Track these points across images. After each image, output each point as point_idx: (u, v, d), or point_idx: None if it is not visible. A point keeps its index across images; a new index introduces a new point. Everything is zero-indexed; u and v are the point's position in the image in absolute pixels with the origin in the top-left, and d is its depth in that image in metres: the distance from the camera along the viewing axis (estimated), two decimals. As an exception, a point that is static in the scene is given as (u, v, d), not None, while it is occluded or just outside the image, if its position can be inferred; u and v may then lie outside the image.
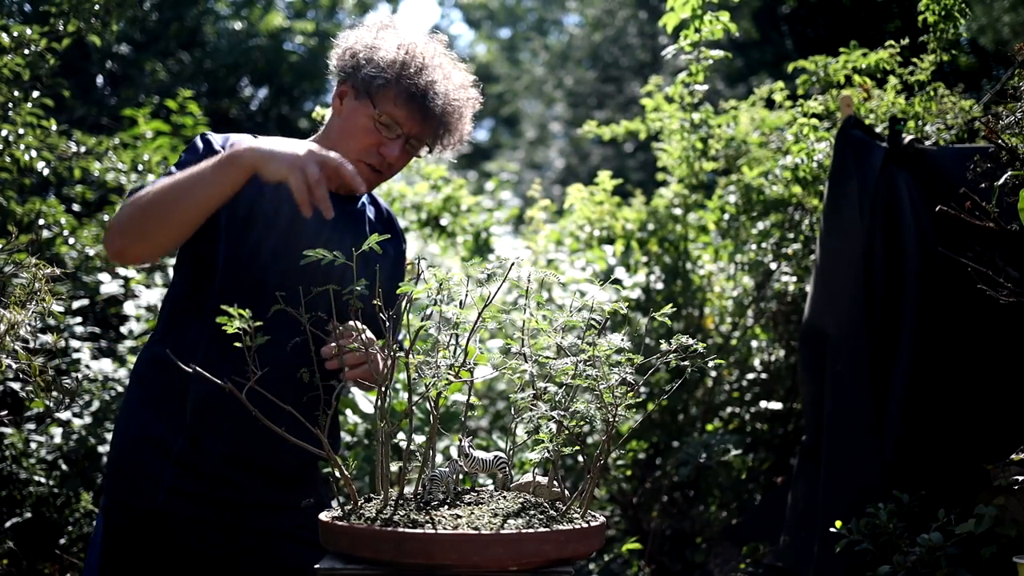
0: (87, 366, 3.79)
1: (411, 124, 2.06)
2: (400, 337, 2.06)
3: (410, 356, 1.56)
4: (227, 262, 2.01)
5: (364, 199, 2.25)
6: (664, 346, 1.62)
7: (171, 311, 2.08)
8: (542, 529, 1.44)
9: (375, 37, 2.09)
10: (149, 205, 1.90)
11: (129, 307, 4.14)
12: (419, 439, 2.89)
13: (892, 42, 3.32)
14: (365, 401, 3.46)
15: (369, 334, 1.82)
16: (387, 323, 1.58)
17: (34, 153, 3.71)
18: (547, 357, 1.63)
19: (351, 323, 1.85)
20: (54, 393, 1.68)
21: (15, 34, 3.47)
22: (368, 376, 1.86)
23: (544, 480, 1.66)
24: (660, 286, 3.95)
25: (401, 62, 2.04)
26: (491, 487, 1.75)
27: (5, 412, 1.80)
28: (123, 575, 2.00)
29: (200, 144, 2.05)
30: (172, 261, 4.44)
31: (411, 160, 2.18)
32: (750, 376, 3.85)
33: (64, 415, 3.64)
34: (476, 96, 2.17)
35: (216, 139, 2.06)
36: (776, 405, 3.69)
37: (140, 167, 4.82)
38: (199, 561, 2.00)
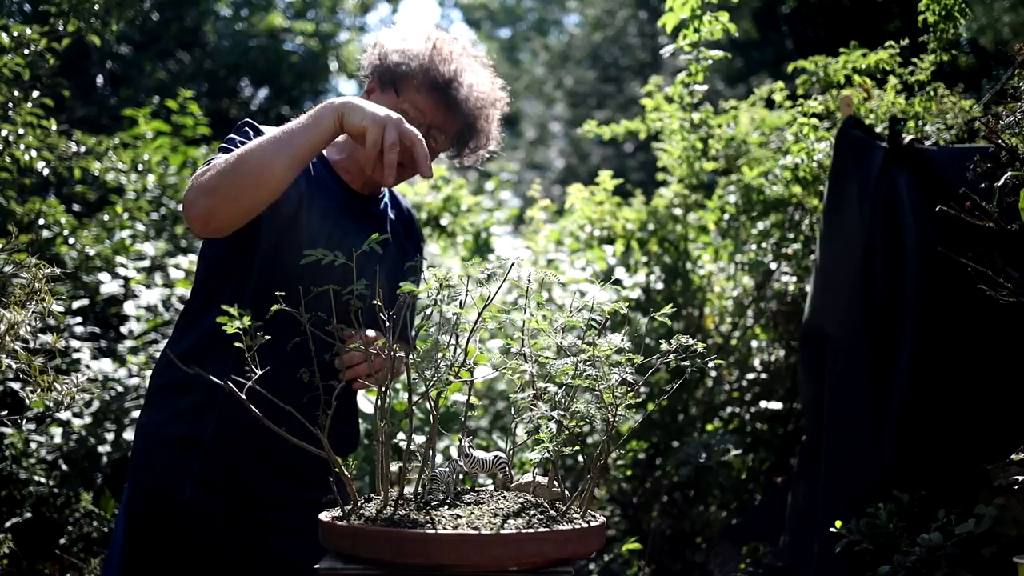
0: (87, 366, 3.80)
1: (434, 114, 2.06)
2: (412, 335, 2.06)
3: (410, 356, 1.56)
4: (260, 260, 2.01)
5: (386, 199, 2.25)
6: (664, 346, 1.62)
7: (199, 305, 2.08)
8: (542, 529, 1.44)
9: (404, 33, 2.12)
10: (240, 165, 1.83)
11: (129, 307, 4.15)
12: (419, 439, 2.89)
13: (892, 42, 3.31)
14: (365, 401, 3.46)
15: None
16: (388, 323, 1.58)
17: (34, 153, 3.71)
18: (547, 357, 1.62)
19: (367, 332, 1.85)
20: (53, 393, 1.68)
21: (15, 34, 3.47)
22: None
23: (544, 480, 1.66)
24: (660, 286, 3.95)
25: (428, 52, 2.05)
26: (491, 487, 1.75)
27: (5, 412, 1.80)
28: (145, 566, 2.01)
29: (250, 130, 2.03)
30: (174, 261, 4.44)
31: (436, 157, 2.17)
32: (750, 376, 3.85)
33: (64, 415, 3.64)
34: (503, 97, 2.16)
35: (253, 127, 2.05)
36: (776, 405, 3.69)
37: (140, 167, 4.83)
38: (216, 557, 2.01)
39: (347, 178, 2.16)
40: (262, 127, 2.04)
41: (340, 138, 2.19)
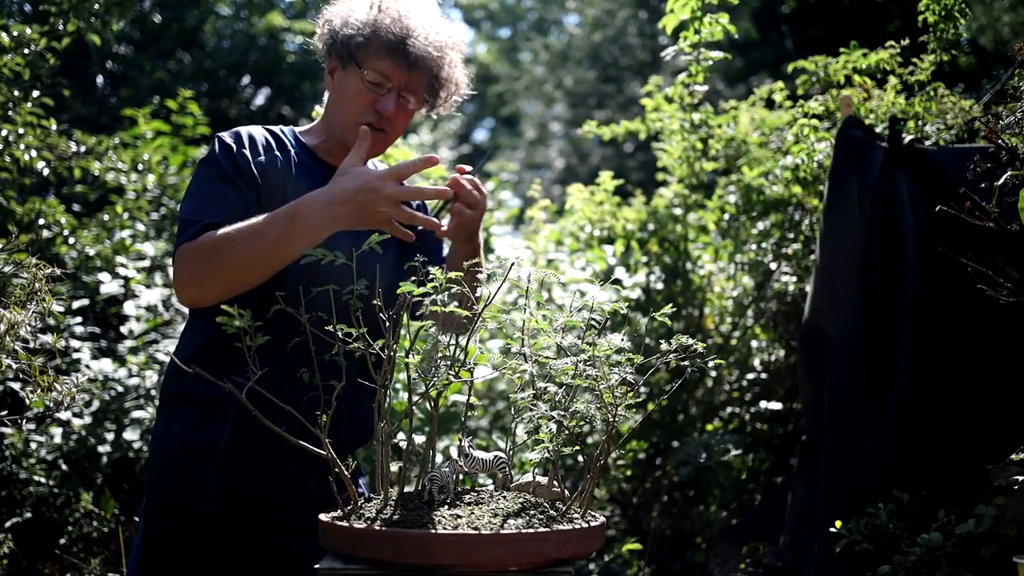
0: (87, 366, 3.79)
1: (398, 74, 2.06)
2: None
3: (410, 356, 1.56)
4: None
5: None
6: (664, 346, 1.62)
7: (202, 310, 2.05)
8: (542, 529, 1.44)
9: (348, 6, 2.10)
10: (224, 263, 1.88)
11: (129, 307, 4.15)
12: (419, 439, 2.89)
13: (892, 42, 3.31)
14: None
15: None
16: (387, 321, 1.58)
17: (34, 153, 3.71)
18: (547, 357, 1.62)
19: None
20: (53, 393, 1.68)
21: (15, 34, 3.47)
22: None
23: (544, 480, 1.66)
24: (660, 286, 3.95)
25: (375, 18, 2.05)
26: (491, 487, 1.75)
27: (5, 412, 1.80)
28: (165, 573, 2.01)
29: (219, 152, 2.03)
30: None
31: (411, 118, 2.17)
32: (750, 376, 3.85)
33: (64, 415, 3.64)
34: (460, 39, 2.15)
35: (229, 140, 2.04)
36: (776, 405, 3.69)
37: (140, 167, 4.83)
38: (239, 562, 2.01)
39: (331, 160, 2.17)
40: (228, 142, 2.04)
41: (316, 122, 2.20)
